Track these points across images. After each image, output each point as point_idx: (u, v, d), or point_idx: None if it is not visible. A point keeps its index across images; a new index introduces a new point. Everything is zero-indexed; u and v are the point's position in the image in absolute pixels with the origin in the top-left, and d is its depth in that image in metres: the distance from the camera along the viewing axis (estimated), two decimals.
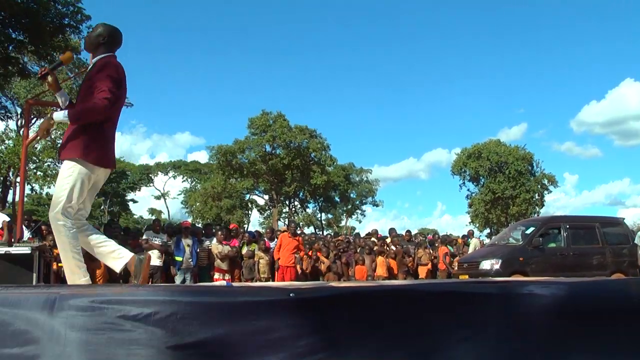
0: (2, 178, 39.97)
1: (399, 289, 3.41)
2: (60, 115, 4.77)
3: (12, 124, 38.06)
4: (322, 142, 48.24)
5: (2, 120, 33.91)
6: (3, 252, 9.43)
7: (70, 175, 4.72)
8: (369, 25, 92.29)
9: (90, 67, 4.96)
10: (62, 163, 4.93)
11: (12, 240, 10.38)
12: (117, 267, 4.96)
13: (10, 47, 17.26)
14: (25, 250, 9.44)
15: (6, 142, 37.39)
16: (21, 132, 35.51)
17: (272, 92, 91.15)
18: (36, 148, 33.40)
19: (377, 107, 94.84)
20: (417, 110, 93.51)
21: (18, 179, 37.06)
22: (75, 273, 4.86)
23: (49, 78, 4.97)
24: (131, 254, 4.96)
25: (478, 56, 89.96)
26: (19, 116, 37.71)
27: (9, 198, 39.61)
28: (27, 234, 11.69)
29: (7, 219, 11.81)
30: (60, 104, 5.11)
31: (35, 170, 35.83)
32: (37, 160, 35.79)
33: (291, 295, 2.97)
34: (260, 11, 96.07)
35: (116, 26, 5.17)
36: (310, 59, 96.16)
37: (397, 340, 3.12)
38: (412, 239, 18.84)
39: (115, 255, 4.98)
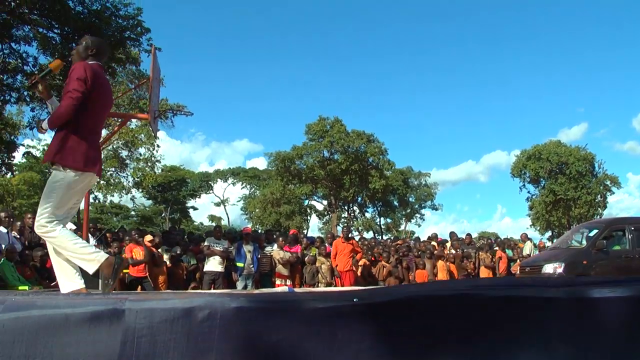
0: None
1: (462, 294, 3.39)
2: (45, 123, 4.94)
3: None
4: (379, 146, 48.07)
5: None
6: None
7: (54, 183, 4.85)
8: (425, 28, 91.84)
9: None
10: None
11: None
12: (90, 269, 4.99)
13: None
14: None
15: None
16: None
17: (328, 97, 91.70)
18: None
19: (434, 110, 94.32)
20: (475, 112, 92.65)
21: None
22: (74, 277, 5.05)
23: (39, 86, 5.06)
24: (105, 257, 5.03)
25: (536, 56, 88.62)
26: None
27: None
28: (92, 242, 12.02)
29: (74, 227, 12.12)
30: (51, 111, 5.16)
31: (98, 180, 36.52)
32: None
33: (355, 300, 3.01)
34: (316, 18, 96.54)
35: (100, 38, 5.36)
36: (365, 63, 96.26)
37: (460, 345, 3.14)
38: (473, 243, 18.65)
39: (90, 258, 4.99)
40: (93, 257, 4.94)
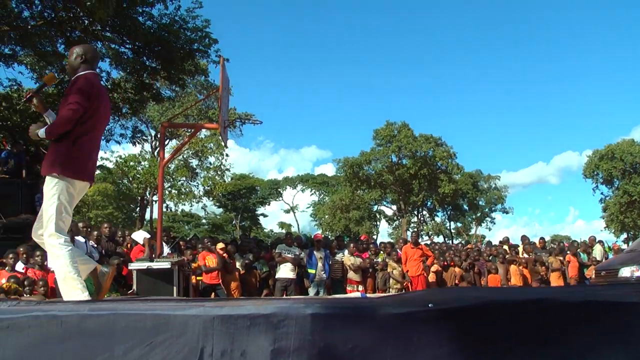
0: (139, 197, 42.01)
1: (539, 299, 3.33)
2: (42, 132, 4.97)
3: (147, 146, 39.91)
4: (447, 150, 47.69)
5: (138, 143, 35.60)
6: (145, 267, 10.05)
7: (54, 195, 4.92)
8: (492, 29, 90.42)
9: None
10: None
11: (153, 255, 11.04)
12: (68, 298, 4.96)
13: (145, 75, 18.25)
14: (165, 265, 10.02)
15: (142, 163, 39.24)
16: (155, 153, 37.26)
17: (395, 102, 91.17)
18: (170, 168, 34.85)
19: (502, 111, 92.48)
20: (544, 112, 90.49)
21: (155, 198, 38.85)
22: (75, 290, 4.90)
23: (35, 100, 5.08)
24: (94, 266, 5.10)
25: (607, 52, 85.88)
26: (152, 138, 39.50)
27: (147, 216, 41.55)
28: (166, 250, 12.30)
29: (148, 236, 12.42)
30: (49, 123, 5.15)
31: (170, 189, 37.35)
32: (172, 179, 37.32)
33: (430, 305, 3.01)
34: (381, 23, 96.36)
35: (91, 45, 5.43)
36: (432, 66, 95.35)
37: (541, 350, 3.10)
38: (546, 247, 18.24)
39: (75, 291, 4.91)
40: (78, 292, 4.87)
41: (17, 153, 14.93)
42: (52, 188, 4.94)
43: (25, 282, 9.15)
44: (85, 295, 4.85)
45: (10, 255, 10.12)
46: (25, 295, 8.81)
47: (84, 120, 4.96)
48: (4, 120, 18.48)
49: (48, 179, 4.96)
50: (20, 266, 10.13)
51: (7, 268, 9.96)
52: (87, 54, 5.20)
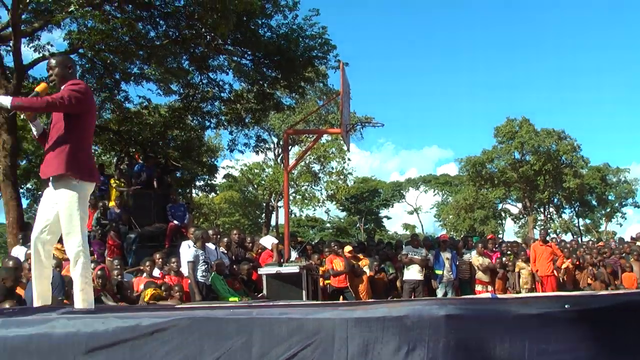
0: (264, 204, 43.01)
1: None
2: (6, 99, 4.90)
3: (270, 154, 40.80)
4: (571, 143, 46.02)
5: (261, 151, 36.47)
6: (275, 272, 10.29)
7: (76, 201, 4.92)
8: (615, 17, 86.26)
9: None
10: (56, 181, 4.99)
11: (282, 260, 11.27)
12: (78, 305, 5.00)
13: (265, 84, 18.69)
14: (294, 269, 10.22)
15: (266, 170, 40.14)
16: (279, 160, 38.03)
17: (514, 97, 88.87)
18: (293, 174, 35.42)
19: (629, 99, 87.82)
20: None
21: (279, 204, 39.67)
22: (90, 299, 4.97)
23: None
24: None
25: None
26: (275, 146, 40.31)
27: (272, 221, 42.46)
28: (293, 254, 12.52)
29: (276, 241, 12.68)
30: (35, 132, 5.20)
31: (294, 194, 37.96)
32: (295, 185, 37.94)
33: (567, 306, 2.94)
34: (497, 18, 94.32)
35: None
36: (550, 59, 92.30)
37: None
38: None
39: (88, 301, 4.97)
40: (89, 302, 4.95)
41: (148, 166, 15.63)
42: (70, 196, 4.94)
43: (162, 288, 9.56)
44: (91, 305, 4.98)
45: (147, 263, 10.58)
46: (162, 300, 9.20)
47: (86, 123, 5.14)
48: (136, 135, 19.42)
49: (64, 188, 4.95)
50: (156, 272, 10.58)
51: (144, 274, 10.45)
52: (74, 65, 5.33)
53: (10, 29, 14.66)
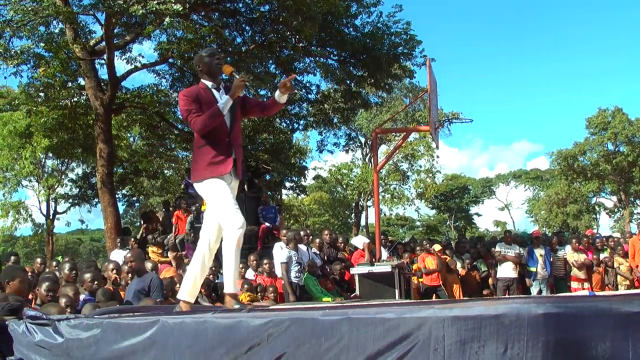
0: (354, 204, 43.15)
1: None
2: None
3: (358, 154, 40.92)
4: None
5: (351, 150, 36.57)
6: (367, 271, 10.30)
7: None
8: None
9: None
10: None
11: (373, 260, 11.27)
12: (182, 295, 5.16)
13: (352, 83, 18.72)
14: (386, 268, 10.20)
15: (354, 170, 40.25)
16: (367, 160, 38.08)
17: (605, 87, 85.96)
18: (382, 173, 35.41)
19: None
20: None
21: (369, 203, 39.71)
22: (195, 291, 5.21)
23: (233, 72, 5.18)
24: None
25: None
26: (363, 146, 40.37)
27: (361, 221, 42.54)
28: (385, 254, 12.50)
29: (368, 240, 12.67)
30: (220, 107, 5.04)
31: (383, 194, 37.95)
32: (384, 184, 37.92)
33: None
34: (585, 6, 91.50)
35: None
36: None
37: None
38: None
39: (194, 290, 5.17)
40: (194, 293, 5.18)
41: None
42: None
43: (258, 289, 9.72)
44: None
45: (240, 265, 10.79)
46: (258, 301, 9.35)
47: None
48: None
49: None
50: (250, 274, 10.78)
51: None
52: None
53: (104, 42, 15.25)
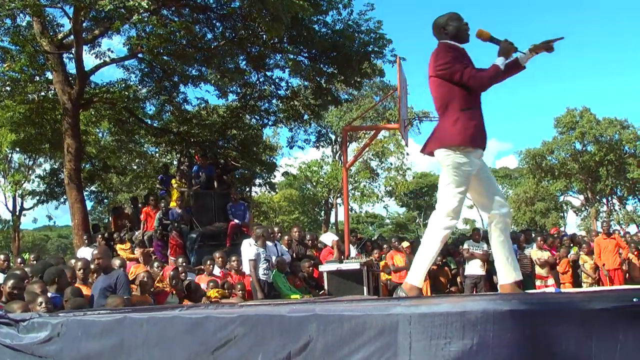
0: (323, 201, 43.17)
1: None
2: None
3: (327, 151, 40.91)
4: (634, 132, 44.79)
5: (322, 147, 36.48)
6: (335, 269, 10.30)
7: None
8: None
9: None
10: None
11: (342, 257, 11.28)
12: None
13: (322, 80, 18.70)
14: (355, 265, 10.21)
15: (324, 168, 40.26)
16: (337, 157, 38.11)
17: (574, 87, 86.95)
18: (351, 170, 35.44)
19: None
20: None
21: (338, 201, 39.77)
22: (420, 276, 4.91)
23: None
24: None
25: None
26: (333, 143, 40.39)
27: (331, 219, 42.59)
28: (353, 251, 12.52)
29: (336, 238, 12.70)
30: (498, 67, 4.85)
31: (352, 191, 37.99)
32: (354, 182, 37.95)
33: (635, 300, 2.85)
34: (551, 9, 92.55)
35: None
36: (611, 47, 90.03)
37: None
38: None
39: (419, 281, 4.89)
40: (419, 282, 4.87)
41: (202, 166, 15.80)
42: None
43: (225, 286, 9.67)
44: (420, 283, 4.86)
45: (208, 262, 10.75)
46: (226, 298, 9.31)
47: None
48: (195, 137, 19.71)
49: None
50: (217, 271, 10.74)
51: (205, 273, 10.61)
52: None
53: (72, 36, 15.06)
